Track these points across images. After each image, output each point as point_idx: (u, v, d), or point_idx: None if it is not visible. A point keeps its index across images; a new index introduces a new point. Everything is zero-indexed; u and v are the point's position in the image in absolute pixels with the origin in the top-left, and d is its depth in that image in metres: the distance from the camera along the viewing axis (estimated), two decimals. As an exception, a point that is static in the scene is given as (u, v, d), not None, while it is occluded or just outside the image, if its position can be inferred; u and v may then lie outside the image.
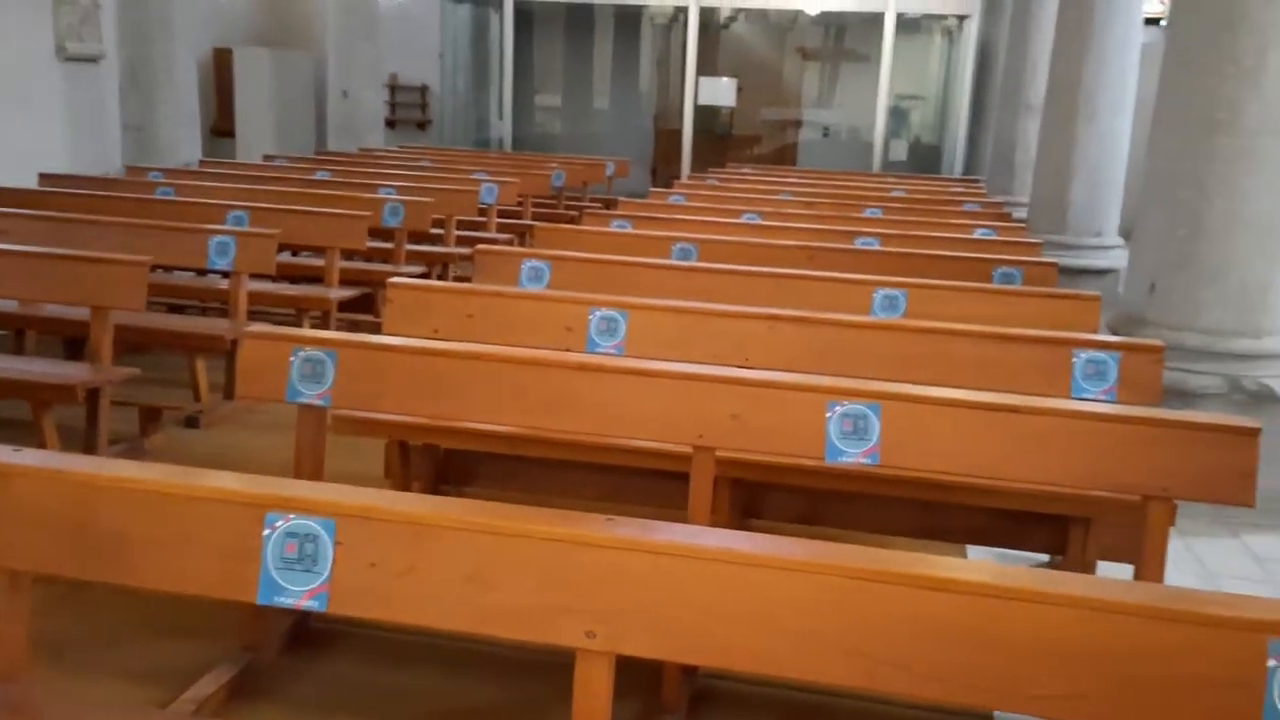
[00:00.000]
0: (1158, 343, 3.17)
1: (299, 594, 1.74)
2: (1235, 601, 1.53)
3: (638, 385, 2.70)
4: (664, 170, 13.85)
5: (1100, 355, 3.23)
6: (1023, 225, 6.52)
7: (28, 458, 1.86)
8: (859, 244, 5.59)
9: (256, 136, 12.01)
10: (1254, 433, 2.37)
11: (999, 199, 8.49)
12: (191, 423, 4.51)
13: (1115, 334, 4.15)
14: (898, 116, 13.79)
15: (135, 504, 1.79)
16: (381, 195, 6.61)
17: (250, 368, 2.83)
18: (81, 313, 4.12)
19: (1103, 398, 3.22)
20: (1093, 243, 6.95)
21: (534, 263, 4.33)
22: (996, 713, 2.73)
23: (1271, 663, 1.43)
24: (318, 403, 2.81)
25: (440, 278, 6.69)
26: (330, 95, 11.50)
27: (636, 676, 2.65)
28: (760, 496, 3.45)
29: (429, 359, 2.80)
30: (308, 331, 3.06)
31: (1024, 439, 2.53)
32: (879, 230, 5.87)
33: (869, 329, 3.41)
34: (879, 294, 4.18)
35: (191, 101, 8.55)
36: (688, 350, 3.35)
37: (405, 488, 3.55)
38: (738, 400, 2.63)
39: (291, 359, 2.80)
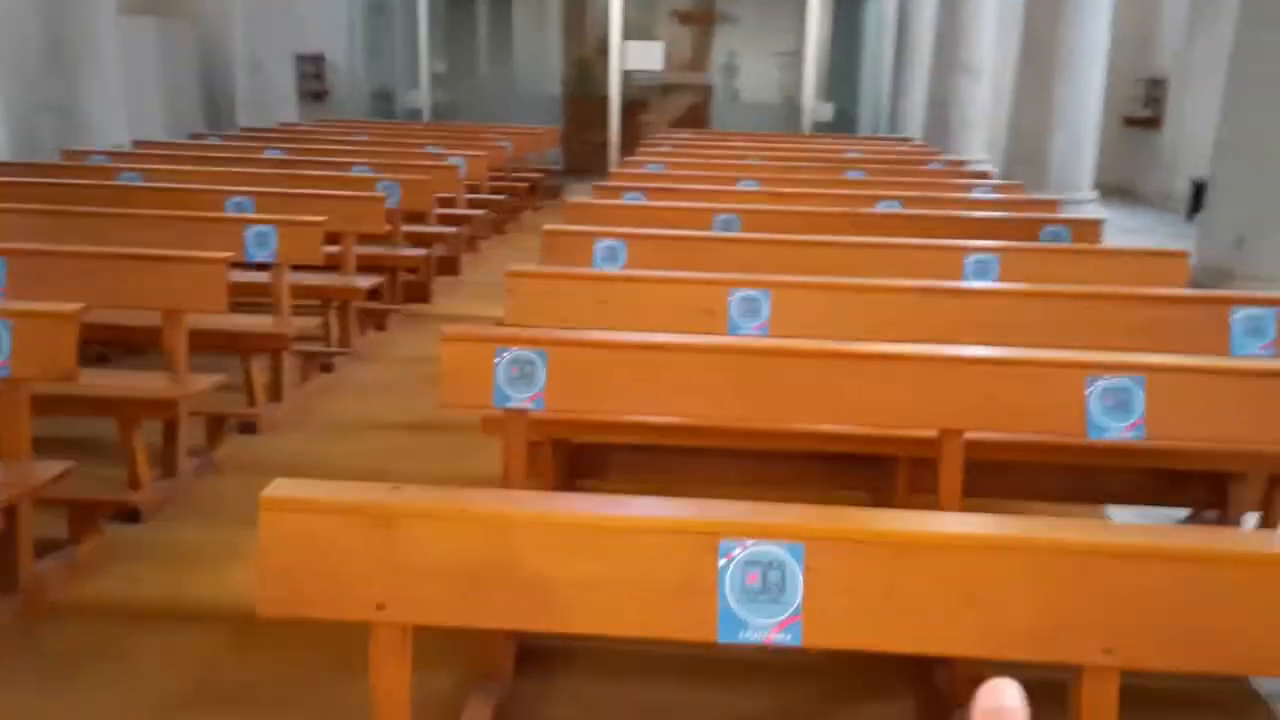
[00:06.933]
0: (1314, 297, 3.22)
1: (767, 627, 1.57)
2: None
3: (879, 370, 2.58)
4: (578, 137, 13.56)
5: (1258, 311, 3.27)
6: (1018, 184, 6.60)
7: (413, 496, 1.62)
8: (880, 208, 5.57)
9: (144, 114, 11.13)
10: None
11: (951, 157, 8.61)
12: (247, 428, 4.14)
13: (1200, 288, 4.21)
14: (821, 78, 13.82)
15: (557, 542, 1.58)
16: (360, 174, 6.23)
17: (451, 372, 2.59)
18: (134, 317, 3.76)
19: (1262, 353, 3.27)
20: (1077, 196, 7.11)
21: (608, 242, 4.14)
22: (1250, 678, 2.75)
23: None
24: (529, 406, 2.59)
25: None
26: (238, 69, 10.84)
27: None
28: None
29: (653, 354, 2.61)
30: (511, 331, 2.82)
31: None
32: (895, 193, 5.85)
33: (1031, 297, 3.36)
34: (970, 259, 4.16)
35: (116, 77, 7.85)
36: (833, 328, 3.23)
37: (539, 486, 3.34)
38: (991, 380, 2.54)
39: (496, 361, 2.58)
